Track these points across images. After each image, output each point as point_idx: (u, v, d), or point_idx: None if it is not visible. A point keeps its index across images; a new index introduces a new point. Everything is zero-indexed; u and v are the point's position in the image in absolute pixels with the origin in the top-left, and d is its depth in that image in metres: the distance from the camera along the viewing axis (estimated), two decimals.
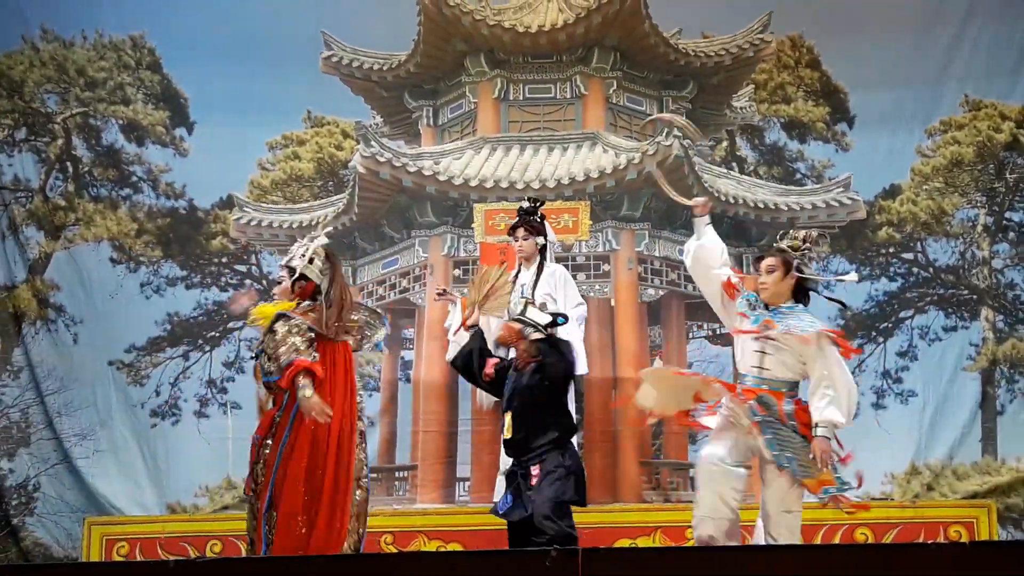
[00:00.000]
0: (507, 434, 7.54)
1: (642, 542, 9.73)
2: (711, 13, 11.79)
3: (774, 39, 11.78)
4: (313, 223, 11.50)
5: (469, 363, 7.80)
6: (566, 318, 7.86)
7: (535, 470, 7.53)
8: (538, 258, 8.90)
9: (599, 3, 11.37)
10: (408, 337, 11.62)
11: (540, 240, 8.85)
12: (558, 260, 9.08)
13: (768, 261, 7.21)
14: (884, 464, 10.79)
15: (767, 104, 11.85)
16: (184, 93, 11.83)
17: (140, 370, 11.25)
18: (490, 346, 8.05)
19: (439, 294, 8.70)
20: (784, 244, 7.22)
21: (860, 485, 7.15)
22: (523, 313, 7.73)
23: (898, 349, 11.29)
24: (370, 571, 7.13)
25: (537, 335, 7.53)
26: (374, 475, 10.95)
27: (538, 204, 9.11)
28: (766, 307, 7.14)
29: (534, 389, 7.42)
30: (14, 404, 11.02)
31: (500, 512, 7.55)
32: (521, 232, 8.89)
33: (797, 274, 7.06)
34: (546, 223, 9.03)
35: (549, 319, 7.63)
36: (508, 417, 7.54)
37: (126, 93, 11.76)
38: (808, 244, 7.25)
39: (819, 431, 7.00)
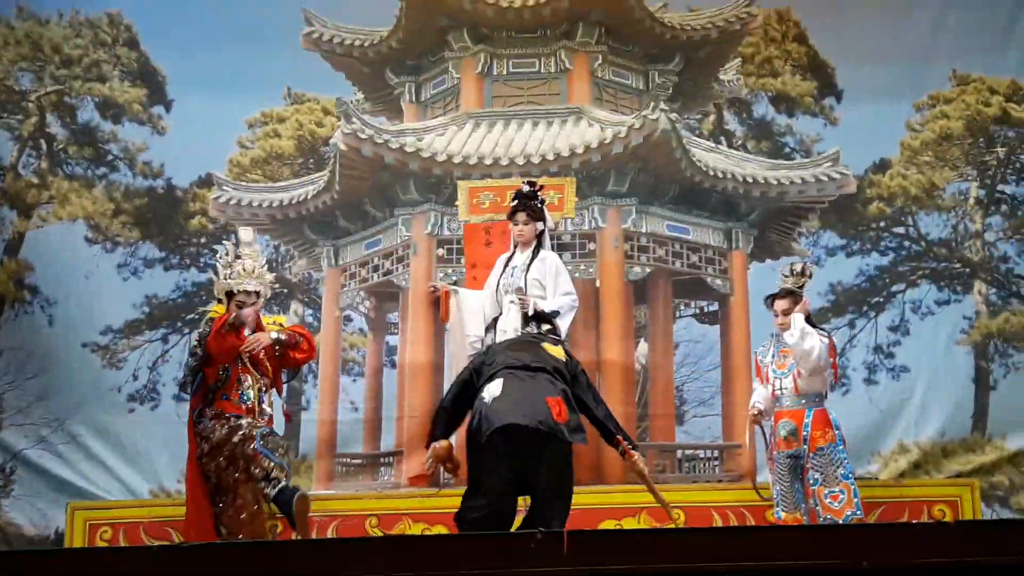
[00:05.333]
0: None
1: (627, 523, 9.71)
2: None
3: (760, 13, 11.66)
4: (293, 201, 11.37)
5: None
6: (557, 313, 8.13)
7: None
8: (535, 242, 8.93)
9: None
10: (393, 322, 11.48)
11: (539, 225, 8.92)
12: None
13: (781, 306, 8.72)
14: (874, 441, 10.72)
15: (754, 78, 11.75)
16: (162, 70, 11.66)
17: (117, 353, 11.09)
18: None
19: (431, 293, 9.24)
20: (789, 285, 8.73)
21: None
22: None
23: (890, 324, 11.18)
24: (354, 554, 7.09)
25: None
26: (359, 461, 10.84)
27: (538, 188, 9.13)
28: None
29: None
30: None
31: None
32: (522, 216, 8.98)
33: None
34: (545, 207, 9.07)
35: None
36: None
37: (102, 70, 11.58)
38: (808, 275, 8.80)
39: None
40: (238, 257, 8.00)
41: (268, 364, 7.99)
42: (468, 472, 7.34)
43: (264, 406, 7.96)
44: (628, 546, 7.27)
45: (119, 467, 10.68)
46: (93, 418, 10.80)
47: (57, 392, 10.80)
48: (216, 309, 8.02)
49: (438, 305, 9.14)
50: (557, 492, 7.36)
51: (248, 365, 7.92)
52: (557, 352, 7.64)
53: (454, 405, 7.57)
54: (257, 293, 7.97)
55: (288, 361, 8.09)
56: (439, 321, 9.32)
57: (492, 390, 7.31)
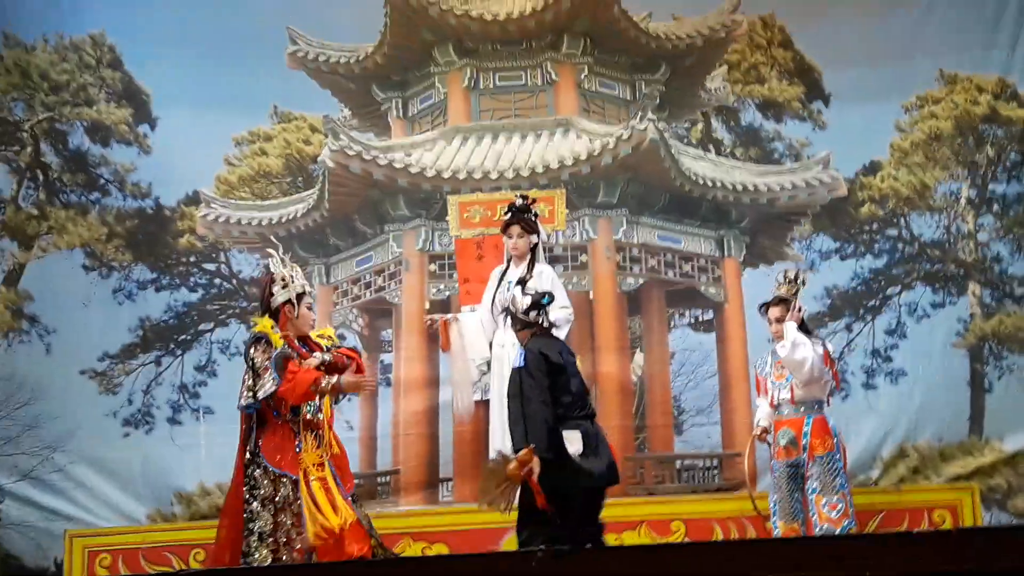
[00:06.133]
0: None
1: (627, 537, 9.68)
2: None
3: (745, 20, 11.64)
4: (282, 220, 11.32)
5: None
6: (551, 297, 7.96)
7: None
8: (529, 255, 8.96)
9: None
10: (387, 340, 11.42)
11: (533, 238, 8.97)
12: None
13: (775, 313, 8.73)
14: (875, 447, 10.70)
15: (741, 85, 11.72)
16: (146, 89, 11.56)
17: (113, 378, 11.03)
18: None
19: (429, 327, 9.36)
20: (783, 293, 8.74)
21: None
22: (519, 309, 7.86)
23: (886, 327, 11.15)
24: None
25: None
26: (356, 481, 10.77)
27: (531, 201, 9.16)
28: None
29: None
30: None
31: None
32: (516, 230, 9.04)
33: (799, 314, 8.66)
34: (538, 220, 9.09)
35: (530, 302, 7.78)
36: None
37: (88, 94, 11.52)
38: (802, 282, 8.79)
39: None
40: (283, 263, 7.94)
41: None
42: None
43: (319, 416, 7.77)
44: (628, 560, 7.24)
45: (113, 493, 10.59)
46: (87, 445, 10.70)
47: (49, 420, 10.69)
48: (264, 324, 7.74)
49: (437, 335, 9.12)
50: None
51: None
52: None
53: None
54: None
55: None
56: (439, 347, 9.30)
57: (574, 442, 7.48)
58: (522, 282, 8.16)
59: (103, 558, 9.92)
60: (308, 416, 7.76)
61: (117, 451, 10.77)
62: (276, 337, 7.63)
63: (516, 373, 7.61)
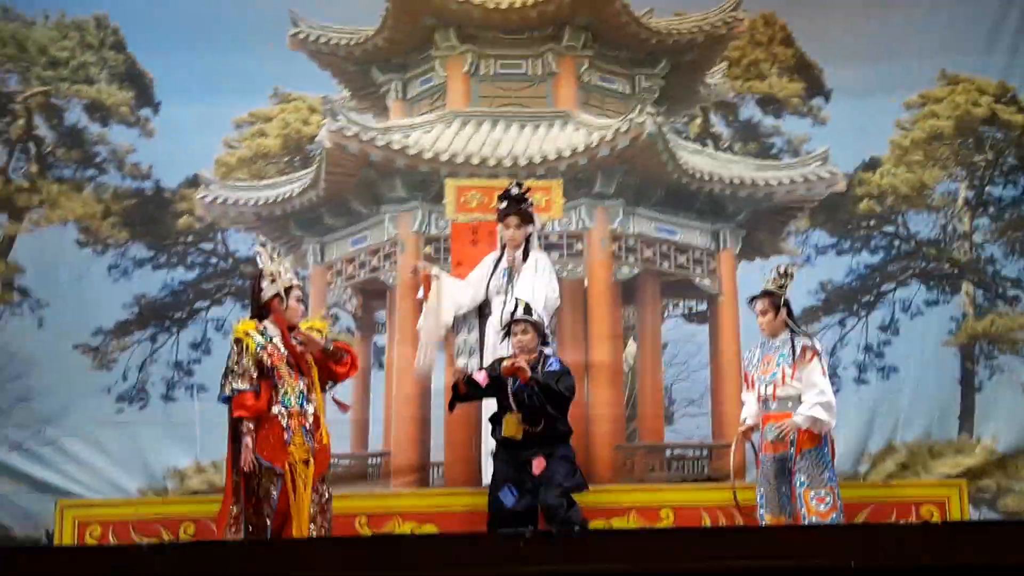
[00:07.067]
0: (513, 433, 8.28)
1: (616, 523, 9.72)
2: None
3: (747, 17, 11.66)
4: (279, 199, 11.32)
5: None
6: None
7: (537, 461, 8.27)
8: (523, 244, 9.17)
9: None
10: (381, 321, 11.41)
11: (529, 228, 9.11)
12: None
13: (760, 306, 8.80)
14: (863, 441, 10.72)
15: (741, 81, 11.74)
16: (149, 73, 11.58)
17: (108, 354, 11.03)
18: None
19: (413, 273, 9.57)
20: (770, 287, 8.77)
21: None
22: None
23: (880, 323, 11.16)
24: (345, 553, 7.13)
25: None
26: (346, 462, 10.81)
27: (525, 190, 9.25)
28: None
29: (550, 395, 8.27)
30: None
31: (510, 506, 8.22)
32: (514, 220, 9.20)
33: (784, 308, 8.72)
34: (534, 209, 9.17)
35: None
36: (515, 417, 8.29)
37: (89, 72, 11.52)
38: (789, 275, 8.82)
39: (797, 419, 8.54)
40: (271, 258, 8.40)
41: (313, 367, 8.26)
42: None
43: (307, 407, 8.15)
44: (617, 546, 7.28)
45: (106, 468, 10.60)
46: (80, 419, 10.71)
47: (42, 394, 10.73)
48: (240, 328, 8.23)
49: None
50: None
51: (287, 369, 8.15)
52: None
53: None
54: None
55: (330, 374, 8.38)
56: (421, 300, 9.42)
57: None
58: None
59: (93, 528, 9.94)
60: (295, 407, 8.06)
61: (110, 427, 10.76)
62: (251, 341, 8.08)
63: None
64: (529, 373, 8.31)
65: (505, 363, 8.40)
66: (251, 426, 7.94)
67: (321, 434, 8.16)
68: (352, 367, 8.43)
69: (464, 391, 8.42)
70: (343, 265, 11.42)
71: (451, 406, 8.65)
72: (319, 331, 8.39)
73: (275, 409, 8.03)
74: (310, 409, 8.13)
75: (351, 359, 8.39)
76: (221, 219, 11.34)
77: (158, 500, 10.32)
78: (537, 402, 8.24)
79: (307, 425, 8.09)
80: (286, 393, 8.09)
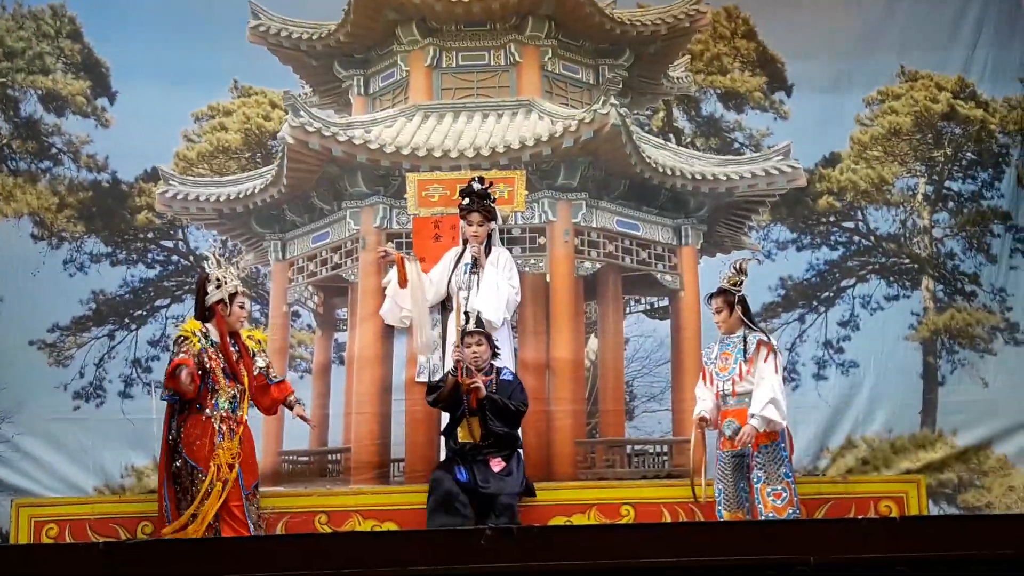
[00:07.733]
0: (472, 437, 9.07)
1: (577, 519, 9.75)
2: None
3: (709, 10, 11.63)
4: (240, 195, 11.22)
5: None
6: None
7: (496, 461, 9.02)
8: (486, 240, 9.39)
9: None
10: (342, 318, 11.35)
11: (492, 225, 9.13)
12: None
13: (715, 304, 9.03)
14: (823, 437, 10.75)
15: (703, 75, 11.72)
16: (106, 62, 11.43)
17: (63, 350, 10.92)
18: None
19: (382, 257, 9.95)
20: (726, 285, 8.99)
21: None
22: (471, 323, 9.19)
23: (839, 319, 11.18)
24: (305, 551, 7.14)
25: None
26: (306, 459, 10.76)
27: (488, 185, 9.28)
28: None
29: (505, 414, 9.09)
30: None
31: (463, 481, 8.91)
32: (476, 217, 9.30)
33: (740, 306, 8.98)
34: (496, 204, 9.20)
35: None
36: (474, 420, 9.06)
37: (45, 63, 11.38)
38: (743, 271, 9.04)
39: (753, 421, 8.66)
40: (218, 264, 8.88)
41: (247, 375, 8.70)
42: None
43: (237, 412, 8.58)
44: (578, 542, 7.28)
45: (62, 464, 10.52)
46: (35, 417, 10.61)
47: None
48: (186, 327, 8.68)
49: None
50: None
51: (222, 374, 8.56)
52: None
53: None
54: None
55: (261, 402, 8.98)
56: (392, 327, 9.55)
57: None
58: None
59: (49, 528, 9.90)
60: (226, 412, 8.54)
61: (67, 424, 10.68)
62: (195, 340, 8.54)
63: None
64: (484, 393, 8.82)
65: (464, 382, 8.91)
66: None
67: (251, 445, 8.75)
68: (274, 405, 9.06)
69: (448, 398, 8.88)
70: (304, 262, 11.34)
71: (435, 403, 9.14)
72: (259, 342, 8.93)
73: (207, 411, 8.48)
74: (239, 414, 8.60)
75: (282, 393, 9.03)
76: (181, 215, 11.24)
77: (115, 498, 10.27)
78: (492, 416, 8.87)
79: (236, 429, 8.55)
80: (219, 397, 8.50)
